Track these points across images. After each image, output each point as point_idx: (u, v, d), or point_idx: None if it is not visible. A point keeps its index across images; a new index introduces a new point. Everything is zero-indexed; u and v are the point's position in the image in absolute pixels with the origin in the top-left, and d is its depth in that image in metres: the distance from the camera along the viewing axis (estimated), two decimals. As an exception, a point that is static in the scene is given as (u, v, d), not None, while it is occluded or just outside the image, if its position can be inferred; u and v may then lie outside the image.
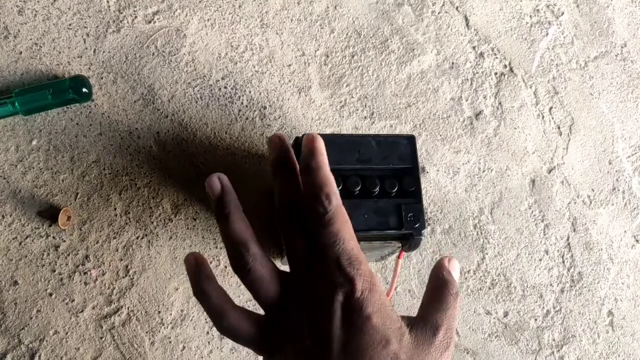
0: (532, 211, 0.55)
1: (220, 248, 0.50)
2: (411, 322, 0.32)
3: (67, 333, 0.46)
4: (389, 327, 0.30)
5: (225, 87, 0.53)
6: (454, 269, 0.36)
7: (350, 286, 0.30)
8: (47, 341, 0.45)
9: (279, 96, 0.54)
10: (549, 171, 0.57)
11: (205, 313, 0.32)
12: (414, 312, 0.33)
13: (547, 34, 0.61)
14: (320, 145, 0.34)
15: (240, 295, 0.49)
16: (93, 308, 0.46)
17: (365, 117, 0.55)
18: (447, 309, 0.33)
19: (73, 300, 0.46)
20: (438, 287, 0.35)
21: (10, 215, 0.47)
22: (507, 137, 0.57)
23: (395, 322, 0.31)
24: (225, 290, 0.34)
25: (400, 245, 0.42)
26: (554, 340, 0.52)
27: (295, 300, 0.32)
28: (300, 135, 0.40)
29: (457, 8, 0.60)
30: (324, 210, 0.32)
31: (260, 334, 0.32)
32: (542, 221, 0.55)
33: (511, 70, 0.59)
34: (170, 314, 0.47)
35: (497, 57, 0.59)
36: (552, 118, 0.58)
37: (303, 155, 0.34)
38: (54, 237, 0.47)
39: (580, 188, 0.57)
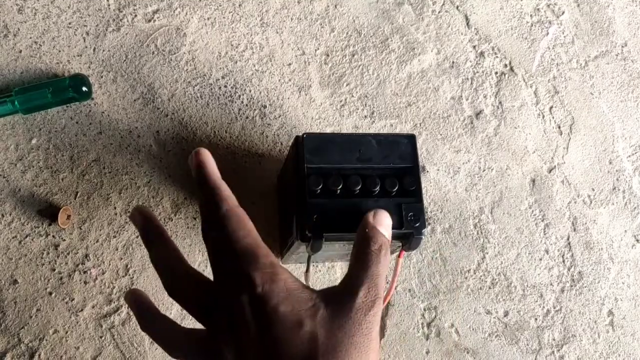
0: (533, 211, 0.55)
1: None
2: (329, 294, 0.32)
3: (66, 332, 0.46)
4: (299, 310, 0.30)
5: (226, 86, 0.53)
6: (381, 223, 0.35)
7: (250, 283, 0.30)
8: (46, 340, 0.45)
9: (279, 95, 0.53)
10: (550, 170, 0.57)
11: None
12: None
13: (548, 33, 0.61)
14: (203, 158, 0.35)
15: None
16: (93, 307, 0.46)
17: (365, 116, 0.54)
18: (367, 267, 0.32)
19: (73, 299, 0.46)
20: (359, 246, 0.34)
21: (10, 214, 0.47)
22: (507, 137, 0.57)
23: (307, 302, 0.31)
24: (168, 317, 0.34)
25: (400, 244, 0.42)
26: (554, 339, 0.52)
27: (218, 309, 0.32)
28: (301, 134, 0.40)
29: (457, 7, 0.60)
30: (214, 218, 0.33)
31: (202, 348, 0.32)
32: (543, 220, 0.55)
33: (511, 69, 0.59)
34: (170, 313, 0.47)
35: (497, 57, 0.59)
36: (553, 117, 0.58)
37: (193, 173, 0.35)
38: (53, 236, 0.47)
39: (581, 187, 0.57)
